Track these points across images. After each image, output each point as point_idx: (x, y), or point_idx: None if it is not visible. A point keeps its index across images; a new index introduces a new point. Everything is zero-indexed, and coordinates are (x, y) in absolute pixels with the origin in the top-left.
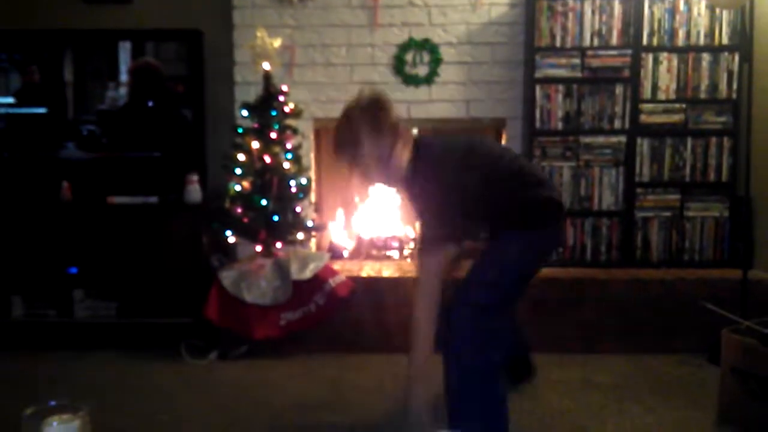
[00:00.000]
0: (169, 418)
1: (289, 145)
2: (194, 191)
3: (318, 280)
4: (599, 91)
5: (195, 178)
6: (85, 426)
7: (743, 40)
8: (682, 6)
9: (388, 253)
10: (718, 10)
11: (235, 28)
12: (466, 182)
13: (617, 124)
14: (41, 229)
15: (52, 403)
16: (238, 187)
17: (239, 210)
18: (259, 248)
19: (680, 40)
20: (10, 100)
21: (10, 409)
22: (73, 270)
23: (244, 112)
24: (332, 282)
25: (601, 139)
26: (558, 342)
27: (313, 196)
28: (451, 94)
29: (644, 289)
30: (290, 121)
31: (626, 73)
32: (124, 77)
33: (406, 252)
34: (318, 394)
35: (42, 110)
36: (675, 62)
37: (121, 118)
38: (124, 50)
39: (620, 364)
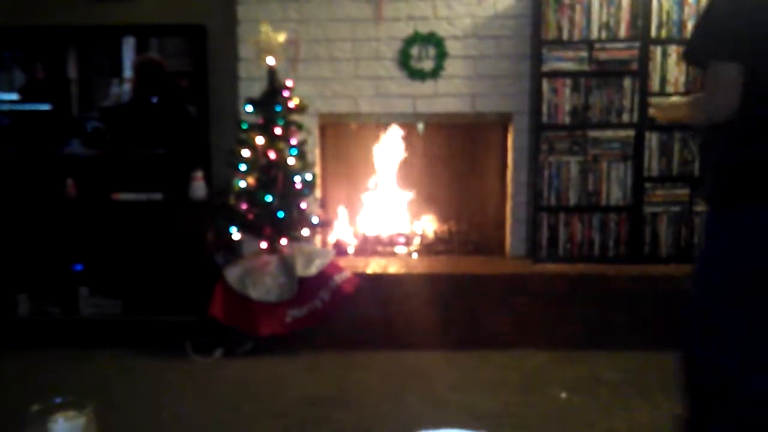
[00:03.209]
0: (175, 415)
1: (293, 141)
2: (199, 187)
3: (323, 277)
4: (607, 84)
5: (200, 174)
6: (90, 423)
7: None
8: None
9: (394, 249)
10: None
11: (239, 23)
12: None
13: (625, 117)
14: (46, 227)
15: (58, 400)
16: (242, 183)
17: (244, 206)
18: (264, 245)
19: (689, 32)
20: (15, 96)
21: (16, 406)
22: (79, 267)
23: (249, 108)
24: (337, 278)
25: (609, 134)
26: (565, 338)
27: (318, 192)
28: (456, 89)
29: (653, 284)
30: (295, 117)
31: (634, 66)
32: (128, 73)
33: (411, 248)
34: (323, 391)
35: (46, 107)
36: None
37: (125, 115)
38: (128, 46)
39: (628, 361)
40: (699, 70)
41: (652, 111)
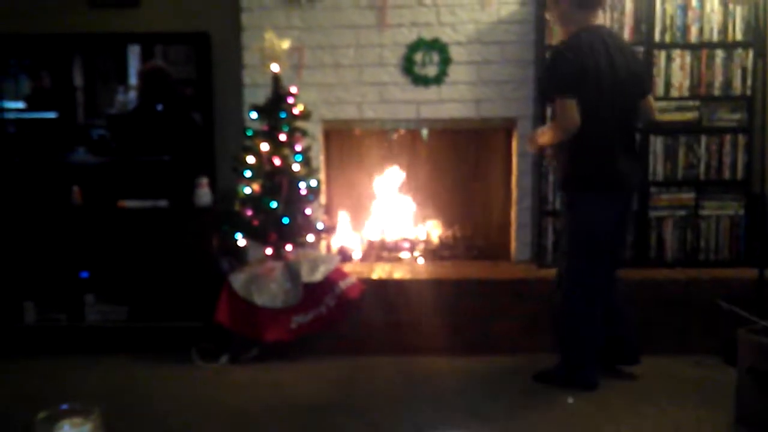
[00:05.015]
0: (180, 422)
1: (298, 147)
2: (204, 194)
3: (328, 283)
4: None
5: (205, 181)
6: (96, 429)
7: (757, 35)
8: (694, 2)
9: (399, 255)
10: (731, 6)
11: (243, 30)
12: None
13: None
14: (52, 234)
15: (64, 406)
16: (247, 190)
17: (249, 213)
18: (269, 251)
19: (693, 36)
20: (21, 104)
21: (23, 413)
22: (85, 274)
23: (253, 115)
24: (342, 284)
25: None
26: None
27: (323, 198)
28: (460, 94)
29: (659, 289)
30: (299, 123)
31: None
32: (133, 81)
33: (416, 254)
34: (329, 397)
35: (52, 115)
36: (688, 59)
37: (130, 122)
38: (133, 54)
39: (635, 365)
40: (549, 104)
41: (527, 146)
